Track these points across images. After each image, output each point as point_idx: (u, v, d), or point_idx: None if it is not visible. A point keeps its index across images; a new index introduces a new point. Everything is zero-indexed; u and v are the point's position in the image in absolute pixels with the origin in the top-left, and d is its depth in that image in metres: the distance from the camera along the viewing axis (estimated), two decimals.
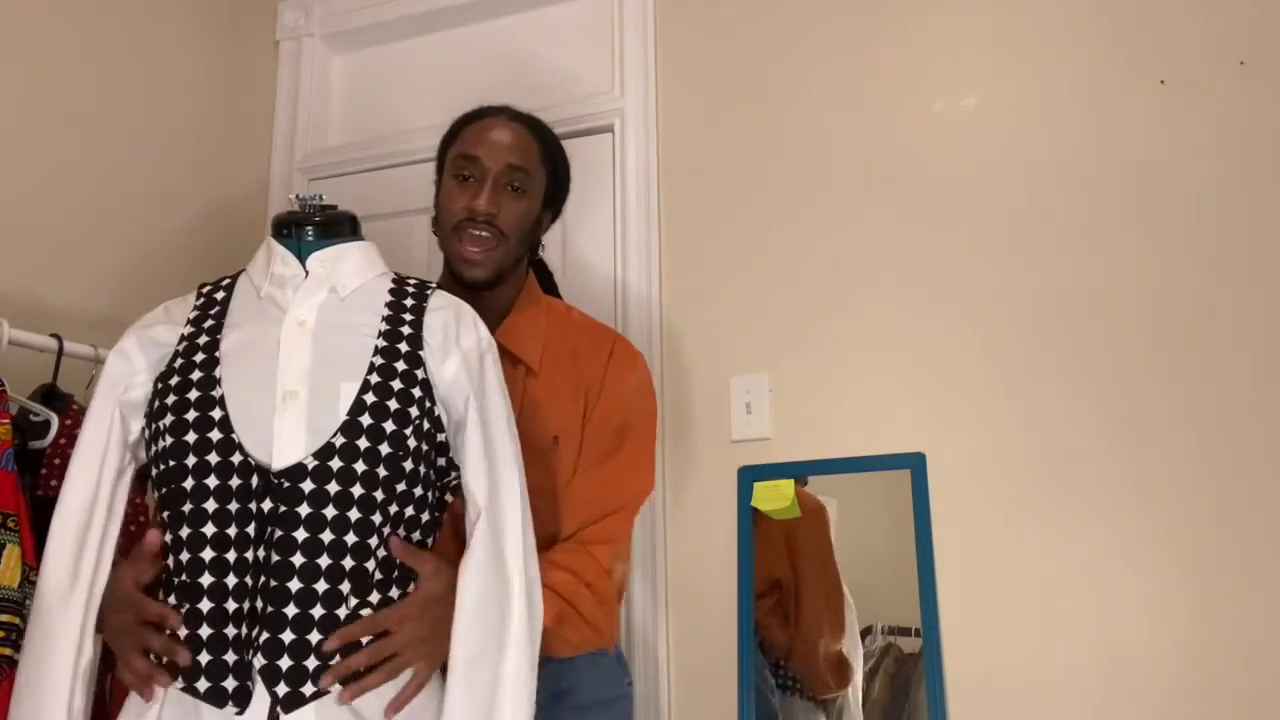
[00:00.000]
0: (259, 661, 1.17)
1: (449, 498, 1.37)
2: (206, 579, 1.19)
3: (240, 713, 1.16)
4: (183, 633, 1.19)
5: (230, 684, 1.17)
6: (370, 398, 1.25)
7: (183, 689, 1.18)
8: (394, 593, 1.24)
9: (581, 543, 1.54)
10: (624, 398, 1.65)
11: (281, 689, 1.17)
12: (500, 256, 1.62)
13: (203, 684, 1.17)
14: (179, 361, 1.31)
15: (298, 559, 1.20)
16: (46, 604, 1.25)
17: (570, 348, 1.67)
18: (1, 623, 1.35)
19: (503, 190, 1.62)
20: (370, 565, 1.22)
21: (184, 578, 1.21)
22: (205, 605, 1.19)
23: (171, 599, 1.21)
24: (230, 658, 1.17)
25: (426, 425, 1.29)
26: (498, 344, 1.43)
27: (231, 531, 1.20)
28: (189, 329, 1.34)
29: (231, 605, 1.19)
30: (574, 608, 1.48)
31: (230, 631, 1.18)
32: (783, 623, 1.87)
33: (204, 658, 1.17)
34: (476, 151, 1.63)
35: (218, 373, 1.28)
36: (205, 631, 1.18)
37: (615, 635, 1.64)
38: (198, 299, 1.39)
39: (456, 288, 1.58)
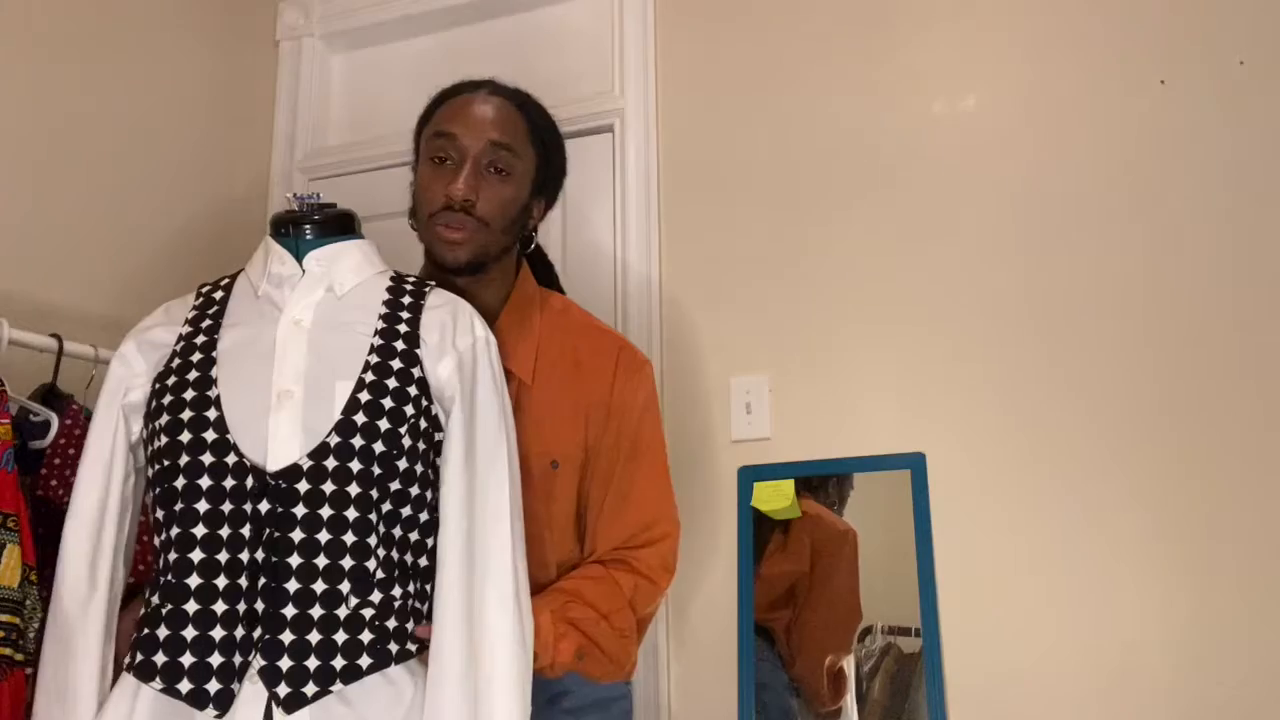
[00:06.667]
0: (259, 662, 1.17)
1: None
2: (194, 580, 1.19)
3: (220, 716, 1.16)
4: (164, 633, 1.18)
5: (213, 686, 1.16)
6: (365, 396, 1.25)
7: (162, 690, 1.17)
8: (396, 591, 1.24)
9: (607, 566, 1.46)
10: (632, 419, 1.54)
11: (282, 689, 1.16)
12: (482, 242, 1.46)
13: (184, 685, 1.16)
14: (176, 361, 1.31)
15: (294, 560, 1.19)
16: (66, 611, 1.25)
17: (571, 357, 1.54)
18: (1, 623, 1.35)
19: (483, 173, 1.46)
20: (371, 564, 1.22)
21: (170, 578, 1.20)
22: (191, 607, 1.18)
23: (155, 598, 1.21)
24: (216, 660, 1.17)
25: (424, 424, 1.28)
26: None
27: (224, 532, 1.20)
28: (187, 329, 1.34)
29: (221, 607, 1.18)
30: (595, 643, 1.40)
31: (217, 634, 1.17)
32: (788, 632, 1.86)
33: (187, 659, 1.17)
34: (453, 129, 1.47)
35: (214, 372, 1.27)
36: (190, 633, 1.17)
37: (634, 668, 1.53)
38: (196, 299, 1.39)
39: (441, 279, 1.47)
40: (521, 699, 1.23)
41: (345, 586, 1.20)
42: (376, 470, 1.23)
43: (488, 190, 1.46)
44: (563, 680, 1.47)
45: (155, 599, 1.21)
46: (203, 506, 1.21)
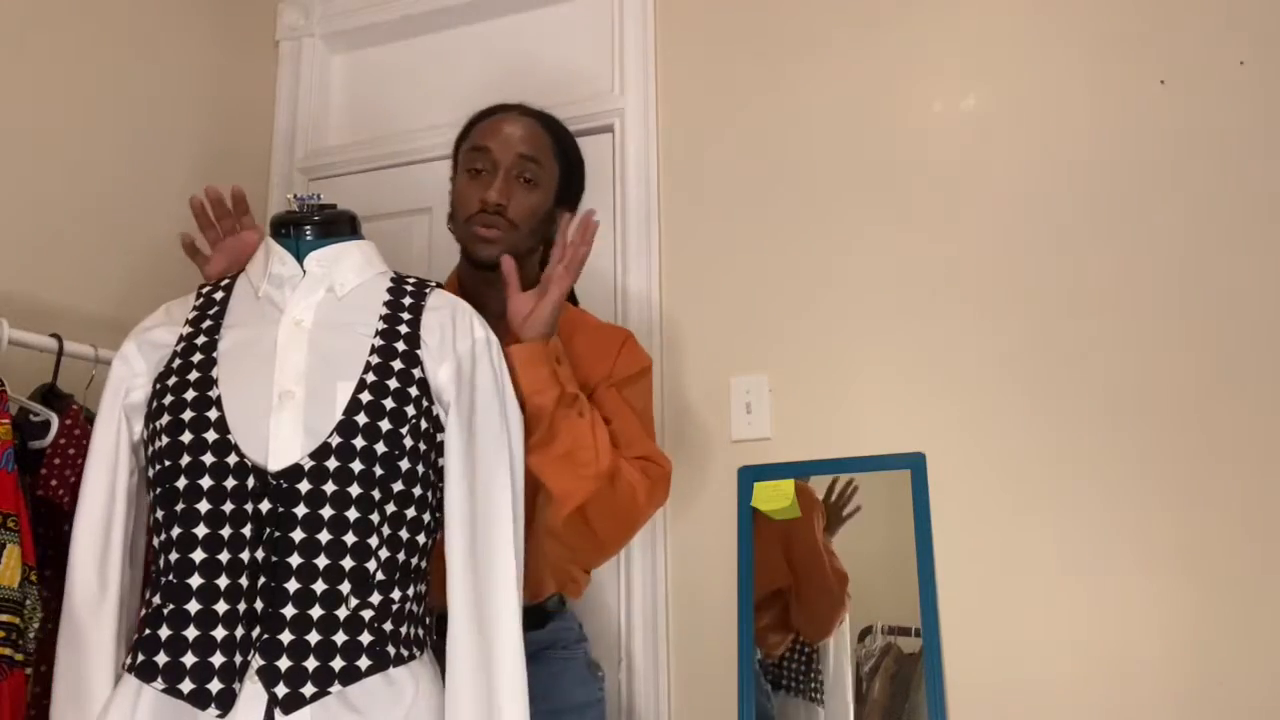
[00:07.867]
0: (258, 661, 1.17)
1: None
2: (195, 580, 1.19)
3: (223, 715, 1.16)
4: (166, 634, 1.18)
5: (215, 686, 1.16)
6: (366, 397, 1.25)
7: (163, 690, 1.17)
8: (395, 594, 1.24)
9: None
10: (632, 370, 1.64)
11: (281, 689, 1.16)
12: (512, 241, 1.61)
13: (186, 685, 1.16)
14: (177, 362, 1.31)
15: (295, 559, 1.19)
16: (77, 613, 1.26)
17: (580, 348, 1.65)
18: (1, 623, 1.35)
19: (514, 182, 1.62)
20: (371, 565, 1.22)
21: (172, 578, 1.20)
22: (193, 607, 1.18)
23: (157, 598, 1.21)
24: (218, 659, 1.17)
25: (424, 424, 1.29)
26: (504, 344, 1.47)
27: (225, 532, 1.20)
28: (187, 329, 1.34)
29: (223, 607, 1.18)
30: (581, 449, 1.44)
31: (219, 633, 1.17)
32: (781, 627, 1.87)
33: (189, 659, 1.17)
34: (488, 143, 1.64)
35: (215, 373, 1.27)
36: (192, 633, 1.18)
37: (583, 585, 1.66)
38: (197, 299, 1.39)
39: (475, 274, 1.63)
40: (526, 704, 1.25)
41: (345, 587, 1.20)
42: (378, 471, 1.23)
43: (517, 197, 1.62)
44: (538, 682, 1.49)
45: (156, 599, 1.21)
46: (204, 506, 1.21)
